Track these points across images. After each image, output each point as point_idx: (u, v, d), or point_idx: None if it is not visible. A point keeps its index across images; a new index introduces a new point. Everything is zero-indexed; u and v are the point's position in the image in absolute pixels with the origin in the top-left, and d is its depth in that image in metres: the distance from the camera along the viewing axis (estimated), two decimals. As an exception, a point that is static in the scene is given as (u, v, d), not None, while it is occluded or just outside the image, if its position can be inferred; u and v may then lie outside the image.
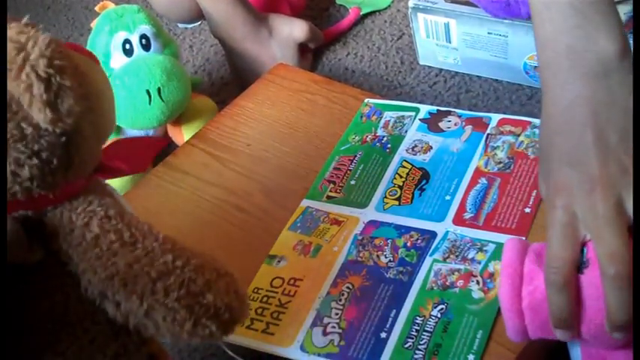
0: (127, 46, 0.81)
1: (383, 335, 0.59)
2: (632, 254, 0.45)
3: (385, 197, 0.70)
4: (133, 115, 0.81)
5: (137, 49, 0.81)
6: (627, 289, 0.45)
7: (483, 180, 0.69)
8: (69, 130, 0.43)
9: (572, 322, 0.48)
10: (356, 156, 0.75)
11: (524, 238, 0.63)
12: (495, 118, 0.74)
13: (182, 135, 0.86)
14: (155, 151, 0.58)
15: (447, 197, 0.68)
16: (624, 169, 0.47)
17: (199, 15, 0.94)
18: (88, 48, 0.83)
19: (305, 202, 0.72)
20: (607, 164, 0.47)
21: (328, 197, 0.72)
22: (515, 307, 0.50)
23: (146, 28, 0.82)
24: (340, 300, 0.62)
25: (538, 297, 0.49)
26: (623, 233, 0.46)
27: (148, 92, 0.79)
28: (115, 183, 0.82)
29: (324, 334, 0.60)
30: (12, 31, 0.42)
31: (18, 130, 0.42)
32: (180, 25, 1.09)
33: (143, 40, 0.81)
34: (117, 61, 0.81)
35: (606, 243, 0.45)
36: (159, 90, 0.80)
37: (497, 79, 0.87)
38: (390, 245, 0.65)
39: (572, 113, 0.50)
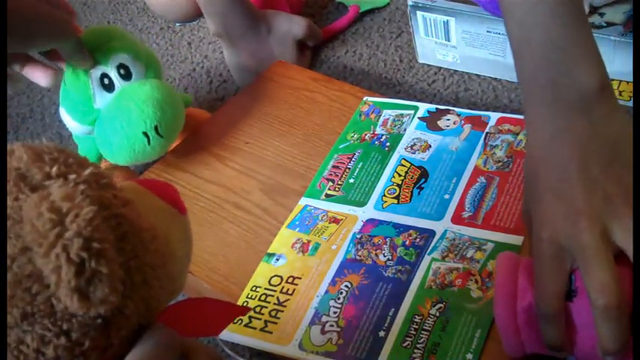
0: (106, 81, 0.72)
1: (381, 334, 0.59)
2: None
3: (384, 196, 0.70)
4: (132, 156, 0.74)
5: (117, 82, 0.73)
6: (617, 320, 0.45)
7: (482, 179, 0.69)
8: (105, 314, 0.37)
9: (565, 346, 0.49)
10: (355, 154, 0.75)
11: (520, 238, 0.63)
12: (494, 116, 0.74)
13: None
14: (233, 319, 0.48)
15: (446, 196, 0.68)
16: (608, 197, 0.47)
17: (196, 14, 0.94)
18: (62, 93, 0.73)
19: (303, 201, 0.72)
20: (591, 195, 0.48)
21: (327, 195, 0.72)
22: (512, 325, 0.51)
23: (122, 57, 0.73)
24: (339, 298, 0.62)
25: (533, 314, 0.50)
26: (611, 264, 0.46)
27: (145, 134, 0.72)
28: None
29: (323, 332, 0.60)
30: (56, 192, 0.36)
31: (46, 305, 0.36)
32: (178, 24, 1.09)
33: (121, 70, 0.73)
34: (99, 99, 0.73)
35: (595, 275, 0.46)
36: (156, 128, 0.73)
37: (496, 78, 0.87)
38: (388, 244, 0.65)
39: (555, 146, 0.50)
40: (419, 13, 0.86)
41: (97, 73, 0.72)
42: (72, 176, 0.38)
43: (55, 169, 0.38)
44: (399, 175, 0.72)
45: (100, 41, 0.73)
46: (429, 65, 0.91)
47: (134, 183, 0.45)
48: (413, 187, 0.70)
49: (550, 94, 0.51)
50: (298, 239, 0.68)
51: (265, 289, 0.65)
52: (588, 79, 0.50)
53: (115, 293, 0.35)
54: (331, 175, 0.74)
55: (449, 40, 0.86)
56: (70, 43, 0.69)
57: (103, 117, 0.73)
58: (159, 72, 0.77)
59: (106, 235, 0.36)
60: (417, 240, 0.65)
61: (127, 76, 0.73)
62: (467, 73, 0.89)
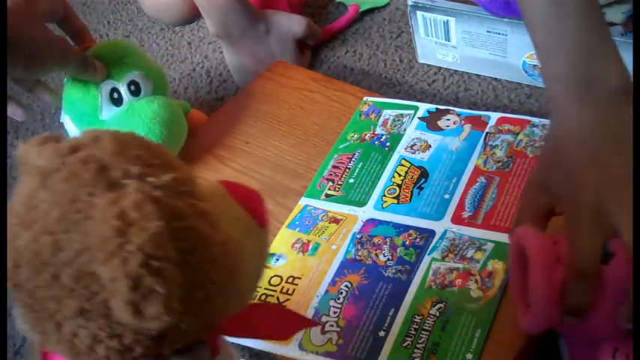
0: (116, 95, 0.74)
1: (381, 334, 0.59)
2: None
3: (384, 196, 0.70)
4: None
5: (126, 97, 0.75)
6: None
7: (482, 179, 0.69)
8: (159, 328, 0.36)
9: (587, 310, 0.49)
10: (355, 154, 0.75)
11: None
12: (494, 116, 0.74)
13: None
14: (300, 329, 0.47)
15: (446, 196, 0.68)
16: None
17: (193, 16, 0.94)
18: (66, 100, 0.75)
19: (303, 201, 0.72)
20: (632, 165, 0.48)
21: (327, 195, 0.72)
22: (552, 294, 0.50)
23: (134, 74, 0.75)
24: (339, 298, 0.62)
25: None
26: None
27: None
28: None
29: (323, 332, 0.60)
30: (127, 198, 0.34)
31: (103, 307, 0.35)
32: (176, 28, 1.08)
33: (132, 87, 0.75)
34: (106, 112, 0.74)
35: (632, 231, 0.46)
36: None
37: (496, 78, 0.87)
38: (388, 244, 0.65)
39: (595, 125, 0.51)
40: (419, 13, 0.86)
41: (107, 87, 0.74)
42: (151, 179, 0.36)
43: (136, 168, 0.36)
44: (399, 175, 0.72)
45: (116, 56, 0.75)
46: (429, 65, 0.91)
47: (217, 184, 0.43)
48: (413, 187, 0.70)
49: (579, 93, 0.52)
50: (298, 239, 0.68)
51: (265, 289, 0.65)
52: (616, 80, 0.51)
53: (169, 312, 0.34)
54: (331, 175, 0.74)
55: (449, 40, 0.86)
56: (73, 65, 0.71)
57: (109, 127, 0.74)
58: (166, 89, 0.79)
59: (168, 253, 0.34)
60: (417, 240, 0.65)
61: (136, 92, 0.75)
62: (467, 73, 0.89)
